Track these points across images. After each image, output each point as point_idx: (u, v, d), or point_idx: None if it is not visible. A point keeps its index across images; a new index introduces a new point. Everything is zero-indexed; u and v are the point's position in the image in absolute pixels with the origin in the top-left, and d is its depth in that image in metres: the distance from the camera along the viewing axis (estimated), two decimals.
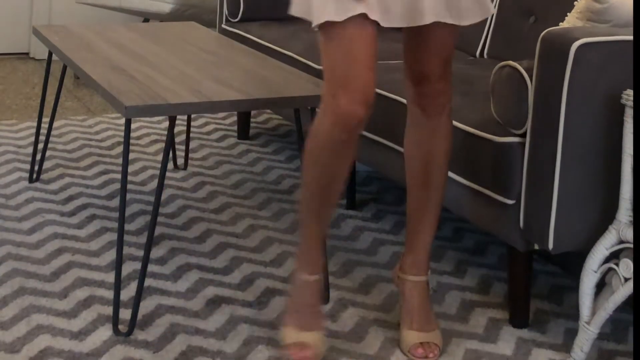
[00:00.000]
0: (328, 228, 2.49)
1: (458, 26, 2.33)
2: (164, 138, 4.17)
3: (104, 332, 2.52)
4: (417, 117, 2.44)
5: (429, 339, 2.47)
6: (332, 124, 2.23)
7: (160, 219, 3.26)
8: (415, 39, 2.37)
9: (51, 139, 4.14)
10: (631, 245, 2.31)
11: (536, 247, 2.55)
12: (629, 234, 2.32)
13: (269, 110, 4.63)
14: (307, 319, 2.45)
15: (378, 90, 2.67)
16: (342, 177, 2.34)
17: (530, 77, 2.46)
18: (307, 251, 2.46)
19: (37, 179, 3.61)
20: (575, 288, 2.66)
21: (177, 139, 4.08)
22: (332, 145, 2.26)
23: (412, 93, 2.43)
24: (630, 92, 2.26)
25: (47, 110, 4.47)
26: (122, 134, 4.19)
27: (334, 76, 2.22)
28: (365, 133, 3.03)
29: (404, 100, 2.89)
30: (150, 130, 4.33)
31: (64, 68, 3.44)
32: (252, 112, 4.49)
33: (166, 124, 4.44)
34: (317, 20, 2.21)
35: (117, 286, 2.51)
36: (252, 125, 4.42)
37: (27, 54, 5.90)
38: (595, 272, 2.39)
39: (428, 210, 2.49)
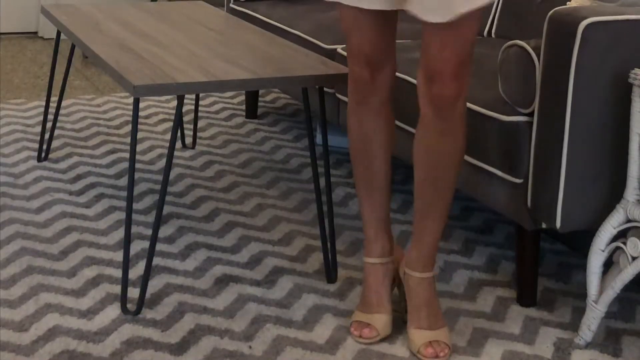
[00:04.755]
0: (383, 210, 2.47)
1: (457, 26, 2.19)
2: (172, 117, 4.17)
3: (112, 311, 2.53)
4: (427, 119, 2.33)
5: (438, 337, 2.39)
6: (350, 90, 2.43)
7: (168, 197, 3.27)
8: (423, 36, 2.28)
9: (59, 118, 4.14)
10: (639, 224, 2.31)
11: (544, 225, 2.55)
12: (636, 213, 2.32)
13: (277, 90, 4.63)
14: (370, 302, 2.46)
15: None
16: (377, 149, 2.43)
17: (538, 56, 2.45)
18: (365, 231, 2.50)
19: (46, 158, 3.61)
20: (582, 267, 2.66)
21: (185, 118, 4.09)
22: (352, 110, 2.45)
23: (421, 92, 2.32)
24: (637, 71, 2.26)
25: (56, 90, 4.47)
26: (131, 113, 4.20)
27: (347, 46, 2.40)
28: None
29: (413, 80, 2.89)
30: (158, 110, 4.34)
31: (73, 47, 3.44)
32: (260, 91, 4.49)
33: (174, 103, 4.44)
34: None
35: (126, 265, 2.51)
36: (260, 104, 4.42)
37: (35, 33, 5.90)
38: (603, 251, 2.39)
39: (434, 211, 2.38)
